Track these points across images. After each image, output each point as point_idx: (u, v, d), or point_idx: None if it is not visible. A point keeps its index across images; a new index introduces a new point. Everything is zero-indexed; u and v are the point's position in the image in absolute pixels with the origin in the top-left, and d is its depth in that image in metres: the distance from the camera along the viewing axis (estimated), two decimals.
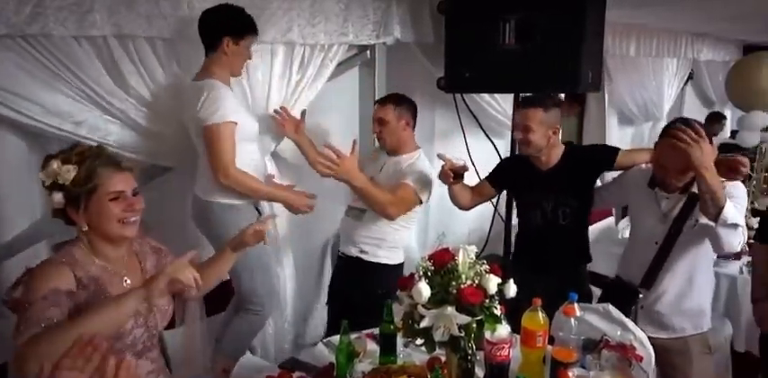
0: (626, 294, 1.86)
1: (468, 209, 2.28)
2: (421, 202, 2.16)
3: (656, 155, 1.77)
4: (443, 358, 1.47)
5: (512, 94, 2.64)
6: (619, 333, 1.54)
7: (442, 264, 1.26)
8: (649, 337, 1.77)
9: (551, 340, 1.50)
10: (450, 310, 1.18)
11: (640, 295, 1.84)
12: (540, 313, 1.47)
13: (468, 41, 2.41)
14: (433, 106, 3.07)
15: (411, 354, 1.59)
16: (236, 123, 1.83)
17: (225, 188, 1.87)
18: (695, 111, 5.47)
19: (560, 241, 2.09)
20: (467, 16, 2.44)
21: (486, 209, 2.87)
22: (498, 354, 1.40)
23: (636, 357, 1.47)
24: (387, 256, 2.22)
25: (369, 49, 2.64)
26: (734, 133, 3.92)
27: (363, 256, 2.21)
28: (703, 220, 1.64)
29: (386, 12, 2.48)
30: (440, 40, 2.57)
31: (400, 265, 2.27)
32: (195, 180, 1.99)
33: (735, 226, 1.59)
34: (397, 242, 2.23)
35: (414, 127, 2.25)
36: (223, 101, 1.80)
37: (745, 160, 1.78)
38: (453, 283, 1.22)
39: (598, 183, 2.23)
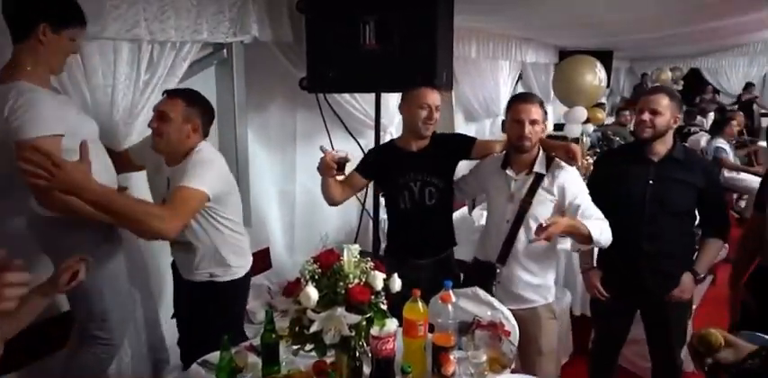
0: (484, 272, 2.03)
1: (338, 203, 2.27)
2: (209, 199, 1.75)
3: (507, 130, 2.00)
4: (328, 360, 1.48)
5: (372, 94, 2.73)
6: (489, 313, 1.68)
7: (328, 265, 1.26)
8: (509, 309, 1.97)
9: (431, 327, 1.60)
10: (340, 310, 1.19)
11: (498, 271, 2.02)
12: (419, 303, 1.55)
13: (329, 41, 2.43)
14: (295, 107, 3.05)
15: (294, 360, 1.57)
16: (61, 136, 1.54)
17: None
18: None
19: (429, 223, 2.17)
20: (326, 16, 2.46)
21: (351, 206, 2.94)
22: (384, 348, 1.44)
23: (504, 333, 1.63)
24: (236, 272, 1.98)
25: (225, 47, 2.52)
26: (561, 126, 4.50)
27: (216, 279, 1.95)
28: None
29: (242, 9, 2.39)
30: (300, 40, 2.55)
31: (243, 279, 2.04)
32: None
33: (606, 237, 1.88)
34: (241, 251, 2.00)
35: (204, 136, 1.88)
36: (38, 109, 1.49)
37: (577, 147, 2.05)
38: (341, 283, 1.23)
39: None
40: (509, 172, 2.02)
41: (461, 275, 2.22)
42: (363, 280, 1.27)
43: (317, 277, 1.25)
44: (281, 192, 3.12)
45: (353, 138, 2.83)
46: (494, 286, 1.99)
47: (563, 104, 4.26)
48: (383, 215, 3.46)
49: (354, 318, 1.20)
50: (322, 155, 2.00)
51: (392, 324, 1.34)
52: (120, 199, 1.59)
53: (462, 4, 2.58)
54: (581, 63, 4.13)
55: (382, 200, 3.32)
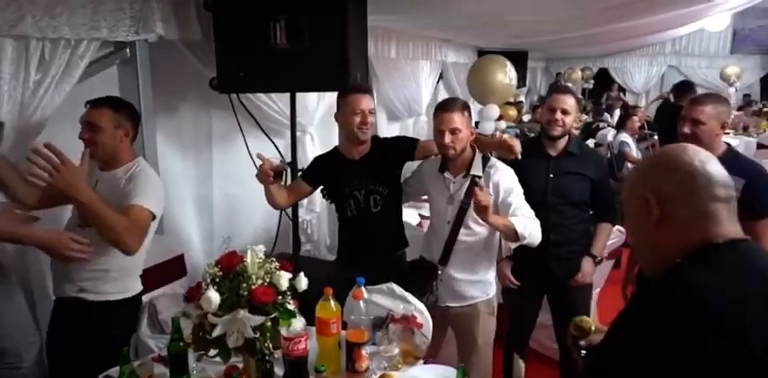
0: (427, 271, 2.09)
1: (284, 208, 2.29)
2: (154, 218, 1.82)
3: (434, 138, 2.06)
4: (241, 365, 1.46)
5: (288, 94, 2.70)
6: (402, 307, 1.72)
7: (230, 267, 1.24)
8: (448, 306, 2.02)
9: (345, 325, 1.61)
10: (242, 313, 1.17)
11: (439, 271, 2.07)
12: (331, 302, 1.56)
13: (239, 41, 2.37)
14: (209, 107, 2.96)
15: (205, 368, 1.53)
16: None
17: None
18: None
19: (376, 229, 2.20)
20: (235, 15, 2.40)
21: (273, 209, 2.90)
22: (295, 348, 1.44)
23: (417, 325, 1.67)
24: (114, 290, 1.86)
25: (128, 46, 2.41)
26: (476, 124, 4.66)
27: (83, 296, 1.83)
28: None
29: (145, 6, 2.28)
30: (210, 39, 2.48)
31: (136, 298, 1.95)
32: None
33: (535, 236, 1.96)
34: (125, 270, 1.89)
35: (134, 139, 1.96)
36: None
37: (511, 139, 2.12)
38: (244, 285, 1.21)
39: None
40: (447, 175, 2.07)
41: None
42: (267, 280, 1.26)
43: (217, 280, 1.23)
44: (198, 196, 3.02)
45: (269, 139, 2.79)
46: (435, 285, 2.03)
47: (477, 102, 4.41)
48: (306, 217, 3.47)
49: (257, 319, 1.19)
50: (260, 162, 2.01)
51: (298, 323, 1.34)
52: (108, 207, 1.67)
53: (375, 5, 2.62)
54: (492, 63, 4.31)
55: (305, 201, 3.36)
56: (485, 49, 7.13)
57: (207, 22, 2.51)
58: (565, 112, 2.16)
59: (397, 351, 1.55)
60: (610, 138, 6.21)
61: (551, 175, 2.16)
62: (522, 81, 7.31)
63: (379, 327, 1.70)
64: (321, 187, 2.32)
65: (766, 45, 11.57)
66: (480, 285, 2.11)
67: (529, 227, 1.95)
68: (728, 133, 7.61)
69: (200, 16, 2.54)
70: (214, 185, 3.05)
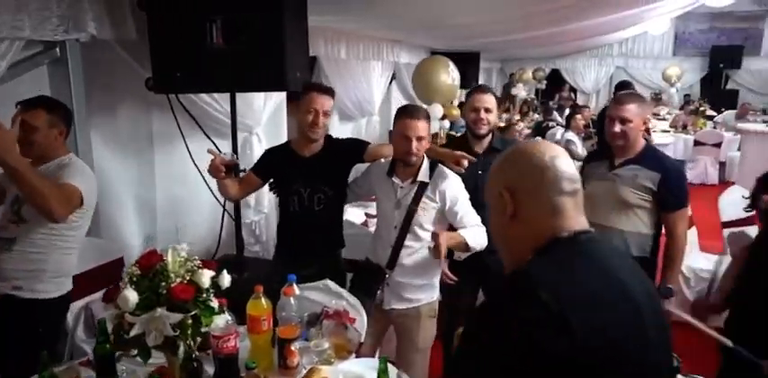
0: (374, 274, 2.12)
1: (237, 200, 2.34)
2: (82, 204, 1.87)
3: (393, 142, 2.09)
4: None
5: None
6: (333, 302, 1.75)
7: (149, 267, 1.24)
8: (393, 309, 2.05)
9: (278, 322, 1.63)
10: (160, 311, 1.17)
11: (387, 275, 2.10)
12: (262, 299, 1.58)
13: (175, 40, 2.35)
14: (150, 108, 2.91)
15: (135, 370, 1.52)
16: None
17: None
18: (400, 104, 6.36)
19: (316, 227, 2.21)
20: (170, 14, 2.38)
21: (220, 210, 2.87)
22: (225, 346, 1.45)
23: (349, 320, 1.70)
24: (47, 289, 1.90)
25: (58, 46, 2.34)
26: None
27: (17, 293, 1.84)
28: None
29: (75, 5, 2.23)
30: (146, 39, 2.44)
31: (65, 297, 1.98)
32: None
33: (481, 243, 1.99)
34: (60, 271, 1.94)
35: (67, 136, 2.03)
36: None
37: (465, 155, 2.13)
38: (163, 283, 1.21)
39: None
40: (395, 180, 2.10)
41: (350, 275, 2.27)
42: (188, 279, 1.26)
43: (135, 279, 1.23)
44: (140, 198, 2.96)
45: (210, 139, 2.77)
46: (381, 288, 2.07)
47: (421, 102, 4.48)
48: (254, 217, 3.46)
49: (176, 316, 1.19)
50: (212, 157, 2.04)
51: (221, 320, 1.34)
52: (36, 172, 1.72)
53: (321, 6, 2.63)
54: (435, 63, 4.40)
55: (252, 202, 3.34)
56: (437, 49, 7.24)
57: (142, 22, 2.48)
58: (488, 111, 2.25)
59: (327, 345, 1.57)
60: (558, 136, 6.42)
61: (480, 172, 2.23)
62: (474, 81, 7.50)
63: (312, 323, 1.72)
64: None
65: (705, 47, 12.17)
66: (425, 289, 2.14)
67: (477, 236, 1.99)
68: (668, 131, 7.99)
69: (135, 15, 2.50)
70: (157, 187, 3.00)
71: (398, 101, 6.76)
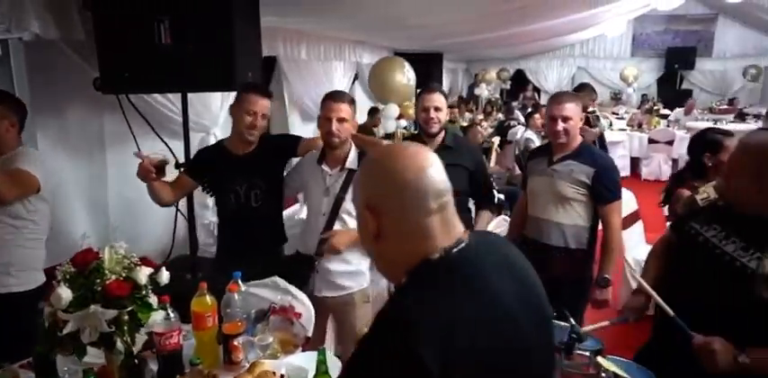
0: (304, 264, 2.14)
1: (170, 204, 2.27)
2: (38, 191, 1.97)
3: (319, 126, 2.14)
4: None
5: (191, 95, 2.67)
6: (279, 297, 1.78)
7: (84, 264, 1.25)
8: (325, 297, 2.09)
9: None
10: (94, 307, 1.18)
11: (316, 263, 2.13)
12: (207, 296, 1.59)
13: (123, 40, 2.32)
14: (101, 109, 2.87)
15: (78, 370, 1.51)
16: None
17: None
18: (363, 104, 6.39)
19: (255, 223, 2.22)
20: (117, 14, 2.36)
21: (173, 210, 2.86)
22: (168, 343, 1.47)
23: (295, 315, 1.73)
24: (18, 283, 1.97)
25: (0, 44, 2.30)
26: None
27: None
28: None
29: (16, 4, 2.20)
30: (93, 38, 2.41)
31: (38, 290, 2.02)
32: None
33: None
34: (26, 264, 2.01)
35: (21, 130, 2.09)
36: None
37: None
38: (98, 280, 1.22)
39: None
40: (324, 167, 2.14)
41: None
42: (124, 276, 1.28)
43: (68, 277, 1.23)
44: (92, 200, 2.92)
45: (162, 140, 2.75)
46: (311, 277, 2.09)
47: (379, 102, 4.54)
48: (213, 218, 3.44)
49: (111, 313, 1.20)
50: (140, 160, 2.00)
51: (159, 316, 1.36)
52: None
53: (278, 7, 2.64)
54: (391, 64, 4.46)
55: (210, 203, 3.33)
56: (400, 50, 7.32)
57: (90, 21, 2.45)
58: (437, 110, 2.32)
59: (270, 340, 1.60)
60: (518, 135, 6.58)
61: None
62: (438, 82, 7.60)
63: (260, 319, 1.74)
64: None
65: (661, 49, 12.61)
66: (354, 276, 2.19)
67: None
68: (625, 130, 8.25)
69: (83, 15, 2.47)
70: (109, 189, 2.97)
71: (361, 100, 6.79)
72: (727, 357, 1.33)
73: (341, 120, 2.06)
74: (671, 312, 1.46)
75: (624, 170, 7.60)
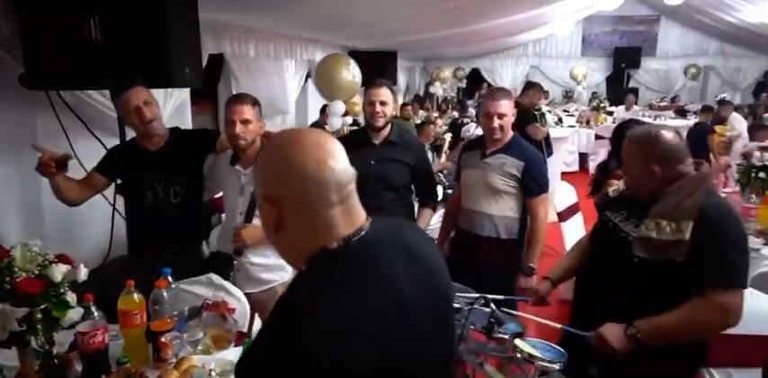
0: (222, 263, 2.13)
1: (78, 203, 2.19)
2: None
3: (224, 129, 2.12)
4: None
5: None
6: (212, 294, 1.77)
7: None
8: (249, 293, 2.09)
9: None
10: (2, 306, 1.16)
11: (235, 261, 2.12)
12: (134, 294, 1.57)
13: (50, 35, 2.26)
14: (32, 106, 2.77)
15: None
16: None
17: None
18: (317, 102, 6.37)
19: (176, 220, 2.19)
20: (44, 9, 2.29)
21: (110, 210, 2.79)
22: (92, 341, 1.44)
23: (229, 311, 1.73)
24: None
25: None
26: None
27: None
28: None
29: None
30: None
31: None
32: None
33: None
34: None
35: None
36: None
37: None
38: (8, 278, 1.19)
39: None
40: (238, 167, 2.13)
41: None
42: (36, 273, 1.25)
43: None
44: (23, 203, 2.81)
45: (96, 138, 2.68)
46: (232, 275, 2.08)
47: (325, 99, 4.55)
48: None
49: (21, 311, 1.18)
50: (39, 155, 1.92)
51: (75, 314, 1.33)
52: None
53: (212, 3, 2.61)
54: (336, 61, 4.47)
55: None
56: (354, 48, 7.33)
57: (14, 15, 2.36)
58: (383, 104, 2.34)
59: (201, 335, 1.59)
60: (471, 131, 6.71)
61: (373, 162, 2.32)
62: (392, 80, 7.66)
63: (192, 316, 1.73)
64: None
65: (610, 48, 13.07)
66: (275, 269, 2.20)
67: None
68: (574, 126, 8.52)
69: (5, 8, 2.38)
70: (43, 189, 2.86)
71: (315, 98, 6.78)
72: (620, 337, 1.43)
73: (245, 121, 2.05)
74: (557, 325, 1.57)
75: (573, 165, 7.86)
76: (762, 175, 3.02)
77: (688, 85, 12.67)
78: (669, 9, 11.04)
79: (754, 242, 2.70)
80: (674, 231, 1.43)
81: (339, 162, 0.87)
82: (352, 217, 0.88)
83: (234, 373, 0.81)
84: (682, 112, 9.64)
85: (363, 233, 0.87)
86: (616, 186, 1.71)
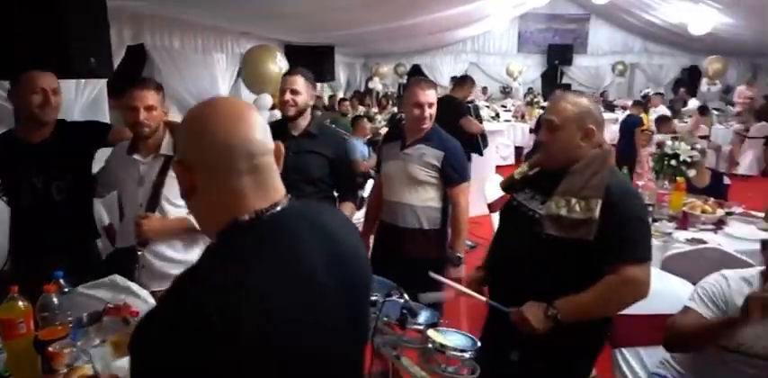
0: (126, 258, 2.00)
1: None
2: None
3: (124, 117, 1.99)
4: None
5: None
6: (114, 296, 1.65)
7: None
8: (155, 292, 1.97)
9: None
10: None
11: (139, 254, 1.97)
12: (19, 301, 1.44)
13: None
14: None
15: None
16: None
17: None
18: (250, 97, 6.15)
19: (58, 219, 2.03)
20: None
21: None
22: None
23: (131, 314, 1.62)
24: None
25: None
26: None
27: None
28: None
29: None
30: None
31: None
32: None
33: None
34: None
35: None
36: None
37: None
38: None
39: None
40: (136, 156, 2.00)
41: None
42: None
43: None
44: None
45: None
46: (137, 270, 1.96)
47: (251, 92, 4.42)
48: None
49: None
50: None
51: None
52: None
53: None
54: (262, 52, 4.36)
55: None
56: (290, 42, 7.18)
57: None
58: (294, 92, 2.25)
59: (97, 342, 1.48)
60: None
61: (291, 153, 2.24)
62: (330, 75, 7.57)
63: (92, 322, 1.61)
64: None
65: (544, 45, 13.50)
66: (184, 265, 2.09)
67: None
68: (509, 121, 8.74)
69: None
70: None
71: (249, 94, 6.58)
72: (539, 317, 1.45)
73: (148, 108, 1.92)
74: (483, 298, 1.58)
75: (509, 159, 8.06)
76: (673, 162, 3.19)
77: (616, 81, 13.30)
78: (598, 8, 11.52)
79: (666, 226, 2.83)
80: (583, 210, 1.45)
81: (252, 131, 0.86)
82: (268, 191, 0.87)
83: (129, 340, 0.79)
84: (610, 107, 10.10)
85: (279, 209, 0.86)
86: (520, 169, 1.73)
